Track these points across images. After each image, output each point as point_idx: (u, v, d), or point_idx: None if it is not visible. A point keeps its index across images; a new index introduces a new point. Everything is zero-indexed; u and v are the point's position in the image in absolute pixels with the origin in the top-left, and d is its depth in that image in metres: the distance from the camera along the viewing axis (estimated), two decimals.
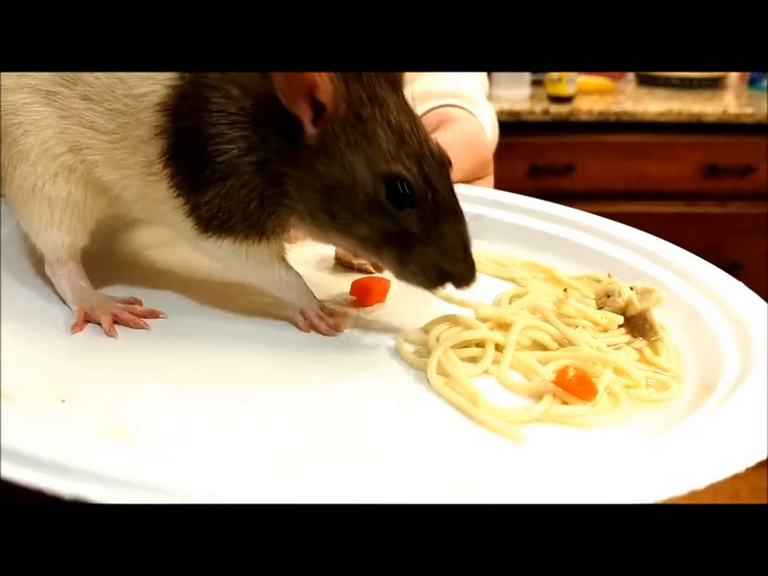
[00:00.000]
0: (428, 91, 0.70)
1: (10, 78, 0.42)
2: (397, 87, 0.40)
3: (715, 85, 2.15)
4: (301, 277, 0.44)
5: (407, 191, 0.37)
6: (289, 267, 0.44)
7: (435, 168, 0.39)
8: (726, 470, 0.29)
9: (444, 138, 0.59)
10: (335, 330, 0.44)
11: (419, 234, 0.38)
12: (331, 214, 0.38)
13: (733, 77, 2.24)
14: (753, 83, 2.15)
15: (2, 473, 0.26)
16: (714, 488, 0.28)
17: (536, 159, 1.89)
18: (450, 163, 0.40)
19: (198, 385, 0.38)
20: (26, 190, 0.43)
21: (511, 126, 1.96)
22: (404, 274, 0.40)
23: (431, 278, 0.40)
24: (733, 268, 2.00)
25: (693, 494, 0.28)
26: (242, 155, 0.39)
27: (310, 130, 0.38)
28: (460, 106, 0.70)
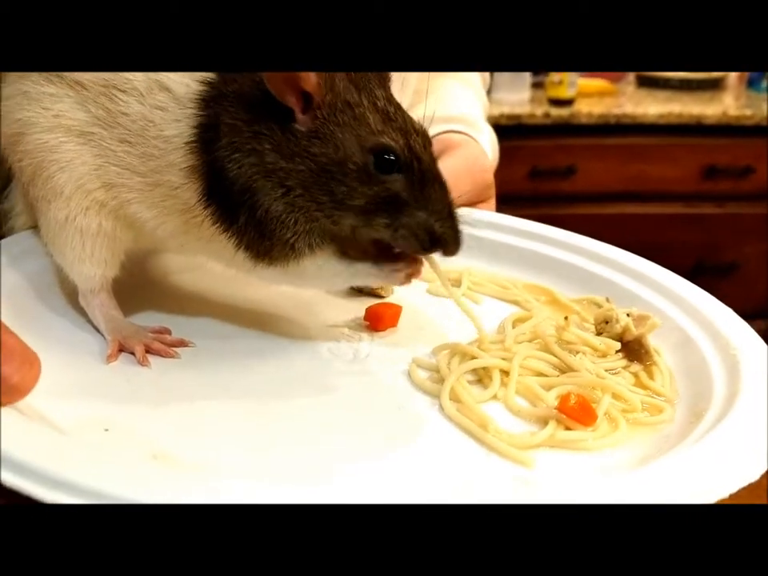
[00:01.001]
0: (427, 117, 0.73)
1: (44, 117, 0.44)
2: (383, 83, 0.44)
3: (714, 86, 2.16)
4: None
5: (392, 158, 0.41)
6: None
7: (420, 142, 0.42)
8: (719, 492, 0.32)
9: (447, 164, 0.62)
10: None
11: (407, 198, 0.42)
12: (330, 192, 0.41)
13: (732, 78, 2.24)
14: (752, 85, 2.16)
15: (55, 501, 0.29)
16: None
17: (537, 162, 1.91)
18: (431, 142, 0.44)
19: (228, 409, 0.42)
20: (59, 223, 0.46)
21: (512, 129, 1.97)
22: (396, 239, 0.43)
23: (422, 240, 0.42)
24: (730, 268, 2.02)
25: None
26: (251, 166, 0.41)
27: (301, 117, 0.41)
28: (461, 132, 0.73)
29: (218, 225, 0.43)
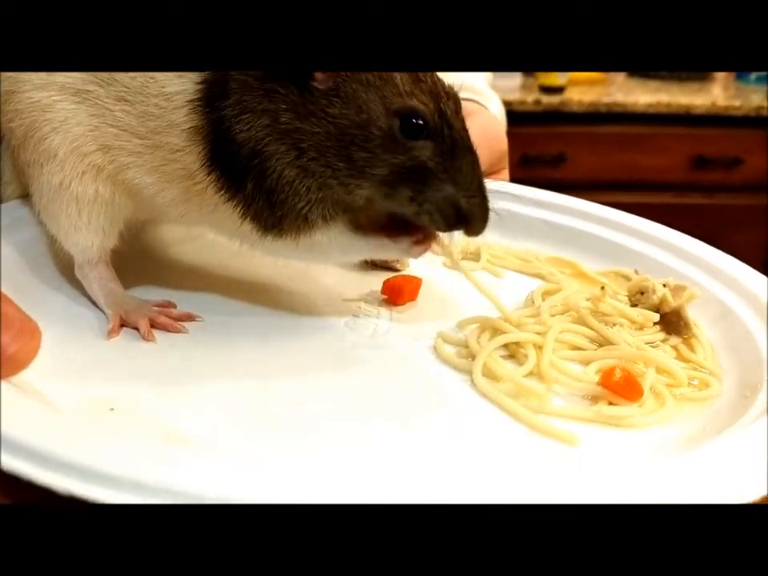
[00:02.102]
0: None
1: (37, 75, 0.41)
2: None
3: (704, 77, 2.18)
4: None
5: (421, 123, 0.37)
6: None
7: (452, 107, 0.39)
8: None
9: None
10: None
11: (434, 168, 0.38)
12: (349, 159, 0.38)
13: None
14: (740, 76, 2.18)
15: (60, 487, 0.26)
16: None
17: (527, 149, 1.90)
18: (461, 105, 0.40)
19: (240, 387, 0.38)
20: (52, 189, 0.42)
21: None
22: (419, 214, 0.39)
23: (447, 216, 0.39)
24: None
25: None
26: (262, 127, 0.38)
27: (320, 74, 0.37)
28: (472, 100, 0.70)
29: (222, 192, 0.39)
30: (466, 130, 0.39)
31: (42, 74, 0.40)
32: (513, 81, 1.92)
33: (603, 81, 2.06)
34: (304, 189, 0.38)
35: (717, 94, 2.04)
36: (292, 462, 0.33)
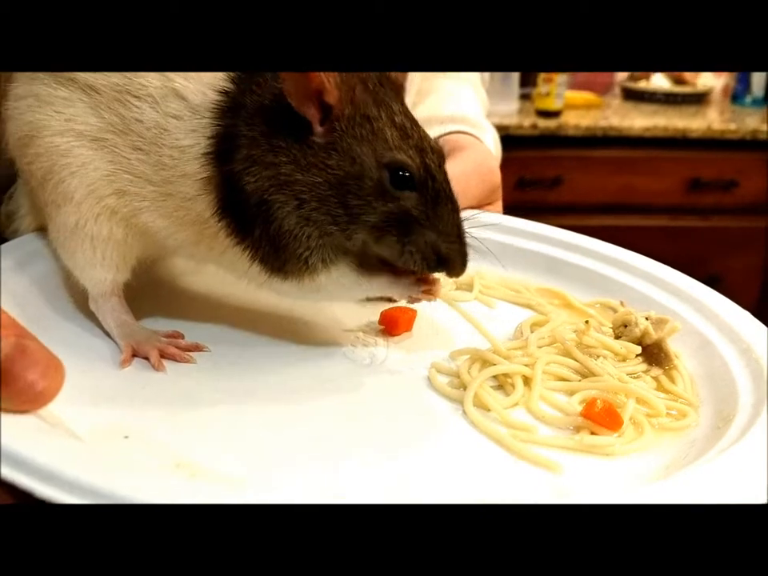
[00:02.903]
0: (431, 116, 0.73)
1: (56, 121, 0.43)
2: (399, 95, 0.43)
3: (699, 101, 2.20)
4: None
5: (407, 175, 0.40)
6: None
7: (435, 160, 0.42)
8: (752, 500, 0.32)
9: (456, 167, 0.61)
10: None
11: (418, 215, 0.41)
12: (345, 206, 0.41)
13: (716, 92, 2.28)
14: (736, 99, 2.20)
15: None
16: None
17: (524, 172, 1.93)
18: (445, 159, 0.43)
19: (247, 415, 0.41)
20: (69, 228, 0.45)
21: (500, 140, 2.00)
22: (403, 258, 0.42)
23: (428, 260, 0.42)
24: (715, 280, 2.04)
25: None
26: (268, 179, 0.40)
27: (318, 129, 0.40)
28: (467, 132, 0.72)
29: (231, 237, 0.42)
30: (447, 182, 0.42)
31: (62, 121, 0.43)
32: (510, 105, 1.95)
33: (599, 105, 2.09)
34: (305, 236, 0.41)
35: (713, 117, 2.06)
36: (298, 486, 0.35)
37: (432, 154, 0.42)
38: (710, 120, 2.01)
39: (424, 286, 0.45)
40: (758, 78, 2.16)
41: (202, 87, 0.41)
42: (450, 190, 0.42)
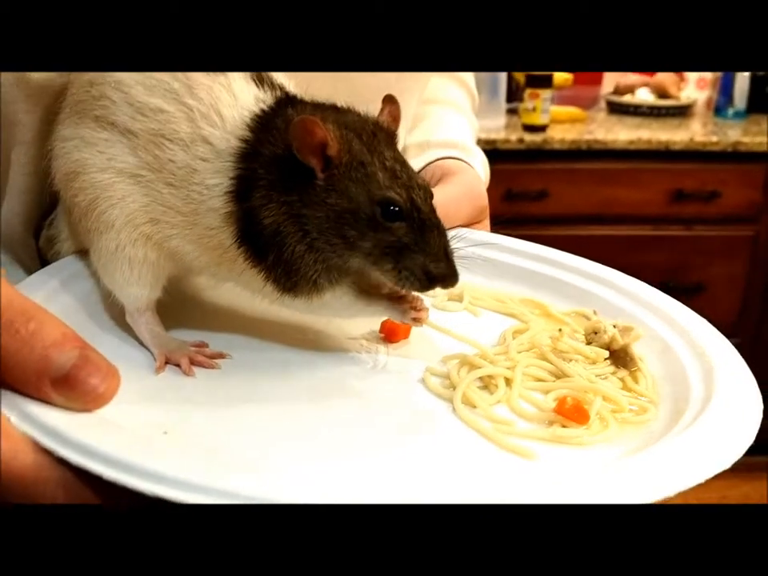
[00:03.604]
0: (424, 141, 0.80)
1: (99, 159, 0.50)
2: (391, 142, 0.50)
3: (682, 113, 2.24)
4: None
5: (396, 209, 0.47)
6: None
7: (421, 195, 0.48)
8: (696, 477, 0.38)
9: (448, 191, 0.69)
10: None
11: (408, 242, 0.47)
12: (343, 237, 0.47)
13: (699, 105, 2.33)
14: (718, 112, 2.24)
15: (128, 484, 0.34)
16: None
17: (511, 185, 1.98)
18: (432, 194, 0.50)
19: (268, 414, 0.47)
20: (109, 252, 0.51)
21: (487, 154, 2.02)
22: (399, 279, 0.48)
23: (421, 280, 0.48)
24: (698, 288, 2.11)
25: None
26: (281, 214, 0.47)
27: (320, 175, 0.47)
28: (457, 158, 0.79)
29: (248, 262, 0.49)
30: (434, 212, 0.49)
31: (104, 159, 0.49)
32: (497, 120, 2.01)
33: (584, 119, 2.15)
34: (311, 260, 0.48)
35: (695, 129, 2.11)
36: (316, 478, 0.41)
37: (419, 190, 0.48)
38: (693, 132, 2.06)
39: (414, 313, 0.53)
40: (740, 91, 2.21)
41: (226, 135, 0.48)
42: (436, 217, 0.49)
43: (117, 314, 0.55)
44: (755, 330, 2.12)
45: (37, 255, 0.62)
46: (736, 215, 2.07)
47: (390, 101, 0.52)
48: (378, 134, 0.49)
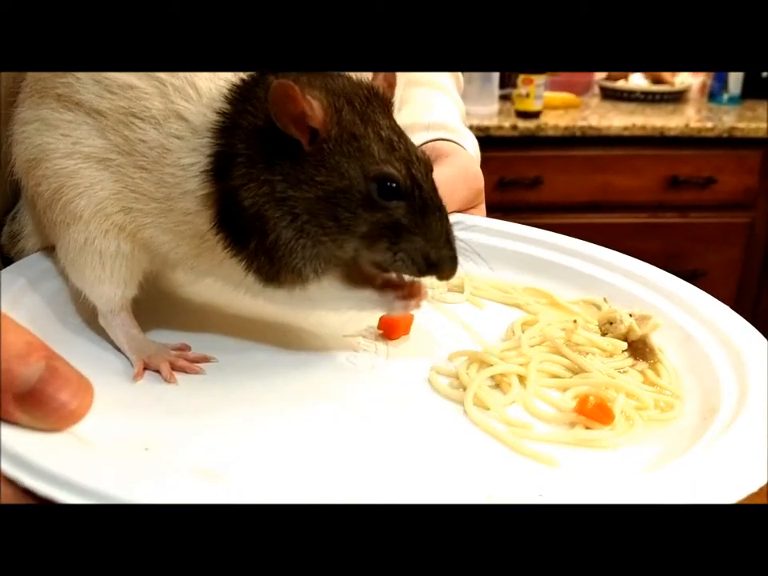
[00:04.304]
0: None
1: (63, 144, 0.45)
2: (387, 109, 0.45)
3: (677, 99, 2.23)
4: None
5: (394, 185, 0.42)
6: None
7: (422, 170, 0.43)
8: (740, 491, 0.33)
9: (442, 173, 0.64)
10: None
11: (407, 224, 0.43)
12: (335, 218, 0.42)
13: (693, 91, 2.32)
14: (713, 97, 2.23)
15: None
16: None
17: (505, 173, 1.95)
18: (432, 168, 0.45)
19: (259, 422, 0.43)
20: (78, 245, 0.46)
21: (480, 141, 2.00)
22: (395, 263, 0.44)
23: (419, 265, 0.44)
24: (694, 275, 2.08)
25: None
26: (263, 195, 0.42)
27: (307, 149, 0.42)
28: (451, 140, 0.75)
29: (228, 249, 0.44)
30: (435, 190, 0.44)
31: (69, 144, 0.45)
32: (490, 107, 1.98)
33: (578, 105, 2.12)
34: (299, 247, 0.43)
35: (690, 115, 2.09)
36: (311, 488, 0.38)
37: (419, 164, 0.44)
38: (688, 118, 2.04)
39: (406, 300, 0.48)
40: (734, 76, 2.19)
41: (202, 108, 0.43)
42: (438, 197, 0.44)
43: (89, 316, 0.50)
44: (751, 318, 2.07)
45: None
46: (732, 201, 2.06)
47: None
48: (372, 100, 0.44)
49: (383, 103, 0.45)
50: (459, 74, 0.90)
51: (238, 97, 0.43)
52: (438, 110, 0.79)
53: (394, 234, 0.43)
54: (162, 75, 0.43)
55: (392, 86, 0.47)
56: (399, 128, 0.45)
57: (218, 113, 0.43)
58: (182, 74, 0.43)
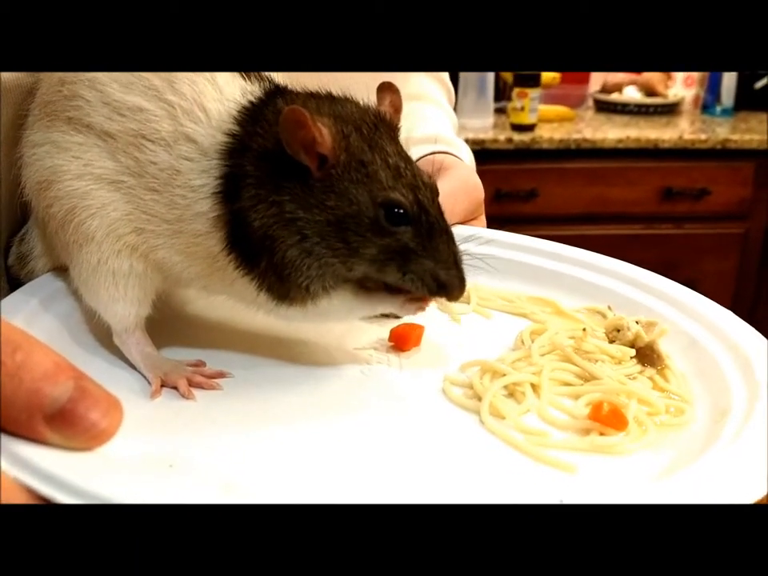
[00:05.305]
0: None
1: (74, 165, 0.45)
2: (394, 136, 0.46)
3: (670, 111, 2.25)
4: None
5: (401, 211, 0.43)
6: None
7: (428, 196, 0.44)
8: (758, 491, 0.34)
9: (444, 186, 0.64)
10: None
11: (414, 247, 0.44)
12: (345, 241, 0.43)
13: (687, 103, 2.33)
14: (706, 109, 2.25)
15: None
16: None
17: (501, 185, 1.97)
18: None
19: (279, 435, 0.43)
20: (91, 266, 0.46)
21: (476, 154, 2.02)
22: (405, 282, 0.45)
23: (429, 285, 0.44)
24: (688, 285, 2.09)
25: None
26: (272, 216, 0.43)
27: (316, 174, 0.43)
28: (449, 152, 0.76)
29: (240, 269, 0.45)
30: (441, 214, 0.45)
31: (80, 166, 0.45)
32: (486, 120, 1.99)
33: (572, 118, 2.14)
34: (305, 266, 0.44)
35: (683, 127, 2.11)
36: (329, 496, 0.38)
37: (425, 190, 0.44)
38: (681, 130, 2.06)
39: (416, 303, 0.48)
40: (727, 88, 2.21)
41: (211, 130, 0.44)
42: (444, 221, 0.45)
43: (103, 336, 0.50)
44: None
45: (5, 275, 0.56)
46: (726, 212, 2.07)
47: (389, 89, 0.48)
48: (379, 126, 0.45)
49: (390, 129, 0.46)
50: (449, 84, 0.92)
51: (248, 119, 0.44)
52: (432, 123, 0.80)
53: (402, 258, 0.44)
54: (171, 97, 0.44)
55: (398, 110, 0.48)
56: (406, 153, 0.46)
57: (227, 134, 0.44)
58: (190, 96, 0.44)
